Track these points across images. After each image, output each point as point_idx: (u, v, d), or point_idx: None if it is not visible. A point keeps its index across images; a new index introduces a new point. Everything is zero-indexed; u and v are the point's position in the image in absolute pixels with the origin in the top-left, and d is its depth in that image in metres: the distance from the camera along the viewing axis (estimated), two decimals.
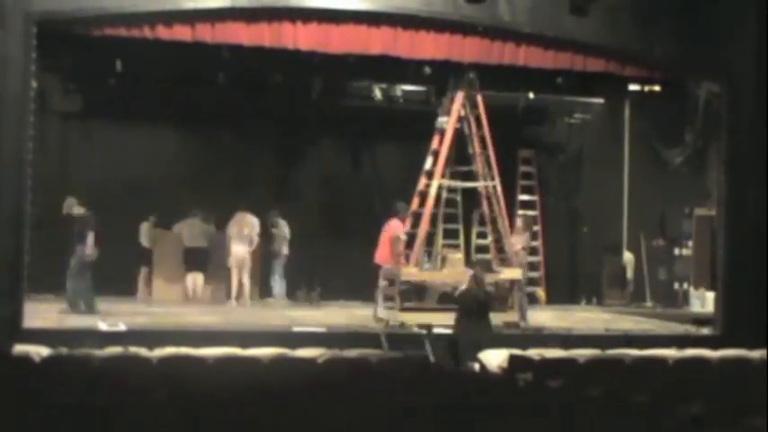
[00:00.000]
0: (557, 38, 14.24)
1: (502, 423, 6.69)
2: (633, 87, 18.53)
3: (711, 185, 17.00)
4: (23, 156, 12.55)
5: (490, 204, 14.82)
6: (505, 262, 14.63)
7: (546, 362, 10.16)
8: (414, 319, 13.95)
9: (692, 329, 15.28)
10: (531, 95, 18.23)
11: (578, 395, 8.26)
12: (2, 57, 12.44)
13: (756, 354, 11.01)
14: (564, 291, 18.84)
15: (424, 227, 14.50)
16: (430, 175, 14.77)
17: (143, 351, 10.07)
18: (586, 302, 18.80)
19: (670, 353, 11.37)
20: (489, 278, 13.71)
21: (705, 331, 14.90)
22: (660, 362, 10.50)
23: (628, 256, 19.06)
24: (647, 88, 18.54)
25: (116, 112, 17.40)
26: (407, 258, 14.46)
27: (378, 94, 17.68)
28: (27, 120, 12.60)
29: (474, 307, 12.49)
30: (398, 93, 17.79)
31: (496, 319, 13.67)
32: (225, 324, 14.04)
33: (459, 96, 14.80)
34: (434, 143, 14.90)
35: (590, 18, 13.71)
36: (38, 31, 12.61)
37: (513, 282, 14.53)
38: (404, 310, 14.15)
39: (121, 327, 12.81)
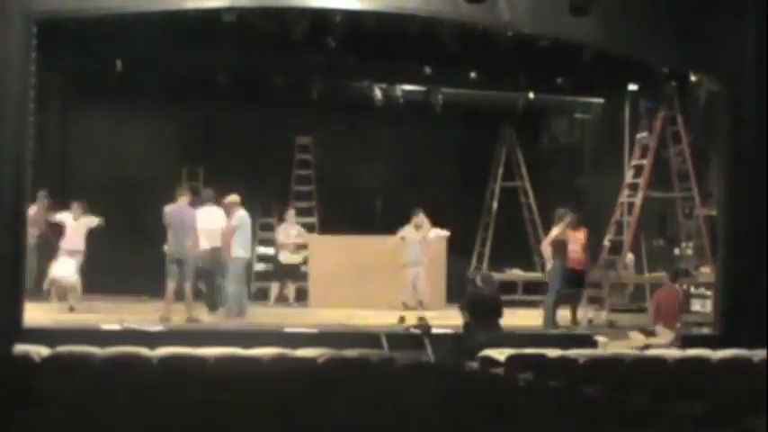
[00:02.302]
0: (557, 38, 14.25)
1: (502, 423, 6.69)
2: (633, 87, 18.54)
3: (711, 185, 16.99)
4: (23, 156, 12.55)
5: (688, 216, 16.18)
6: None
7: (546, 362, 10.16)
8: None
9: (692, 329, 15.26)
10: (531, 95, 18.24)
11: (578, 395, 8.26)
12: (2, 57, 12.43)
13: (756, 354, 11.02)
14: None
15: (630, 235, 15.95)
16: (634, 187, 16.19)
17: (143, 351, 10.09)
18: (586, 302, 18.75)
19: (670, 353, 11.38)
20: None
21: (705, 331, 14.89)
22: (660, 362, 10.51)
23: (628, 256, 19.02)
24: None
25: (116, 111, 17.42)
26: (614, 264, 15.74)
27: (378, 94, 17.68)
28: (27, 120, 12.60)
29: (482, 308, 12.51)
30: (398, 93, 17.79)
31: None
32: (225, 324, 14.04)
33: (662, 115, 16.13)
34: (635, 157, 16.57)
35: (590, 18, 13.70)
36: (38, 31, 12.61)
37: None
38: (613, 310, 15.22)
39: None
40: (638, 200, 16.02)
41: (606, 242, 16.11)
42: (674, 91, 16.45)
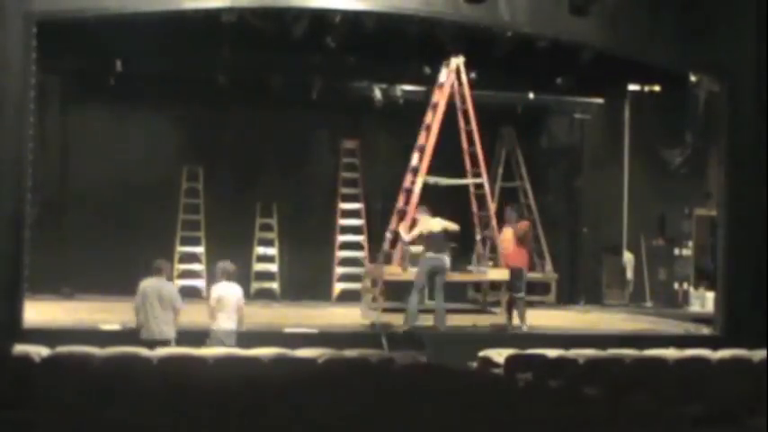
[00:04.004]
0: (557, 38, 14.26)
1: (502, 423, 6.69)
2: (633, 87, 18.55)
3: (711, 185, 17.00)
4: (23, 156, 12.55)
5: (480, 203, 14.61)
6: (495, 262, 14.44)
7: (546, 362, 10.16)
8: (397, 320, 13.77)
9: (692, 329, 15.28)
10: (531, 95, 18.25)
11: (578, 395, 8.26)
12: (2, 57, 12.44)
13: (756, 354, 11.02)
14: (564, 291, 18.83)
15: (407, 224, 14.16)
16: (415, 171, 14.50)
17: (143, 351, 10.09)
18: (585, 302, 18.79)
19: (670, 353, 11.38)
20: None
21: (705, 331, 14.90)
22: (660, 362, 10.51)
23: (628, 256, 19.05)
24: (647, 88, 18.57)
25: (116, 111, 17.42)
26: (389, 258, 14.22)
27: (378, 94, 17.67)
28: (27, 120, 12.60)
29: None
30: (398, 93, 17.78)
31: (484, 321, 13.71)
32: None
33: (446, 89, 14.56)
34: (421, 139, 14.73)
35: (590, 18, 13.70)
36: (38, 31, 12.62)
37: (500, 283, 14.33)
38: (386, 310, 13.97)
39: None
40: (416, 186, 14.20)
41: (388, 234, 14.45)
42: (458, 58, 14.45)
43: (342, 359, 10.34)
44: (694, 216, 18.71)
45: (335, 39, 14.78)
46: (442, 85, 14.63)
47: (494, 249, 14.60)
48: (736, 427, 6.83)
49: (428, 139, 14.51)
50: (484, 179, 14.57)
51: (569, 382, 8.94)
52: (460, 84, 14.54)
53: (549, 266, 18.51)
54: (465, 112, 14.57)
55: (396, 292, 14.66)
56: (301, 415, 6.61)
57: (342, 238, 18.01)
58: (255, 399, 7.17)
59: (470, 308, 15.85)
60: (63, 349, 10.03)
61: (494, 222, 14.55)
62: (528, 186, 18.95)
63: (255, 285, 17.79)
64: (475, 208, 14.70)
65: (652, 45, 14.46)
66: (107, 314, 13.96)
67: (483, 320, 14.42)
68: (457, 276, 14.68)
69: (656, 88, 18.46)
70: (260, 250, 18.17)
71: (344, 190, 18.41)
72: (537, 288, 18.45)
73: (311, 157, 18.53)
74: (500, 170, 18.92)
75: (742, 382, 8.61)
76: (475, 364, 11.00)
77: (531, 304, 17.87)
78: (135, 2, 13.14)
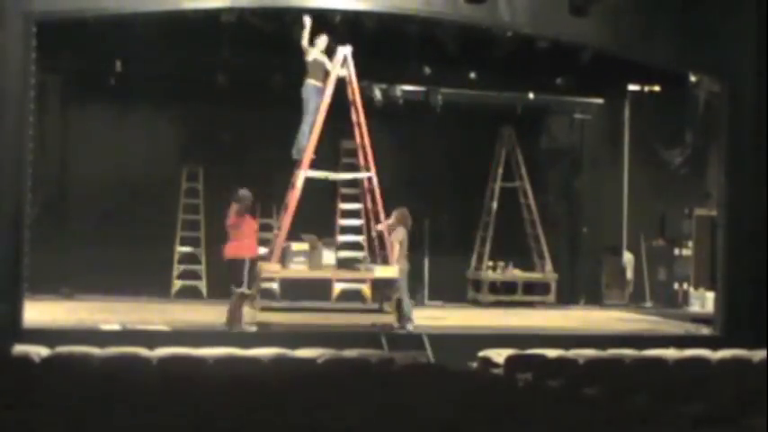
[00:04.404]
0: (557, 38, 14.26)
1: (502, 423, 6.69)
2: (633, 87, 18.55)
3: (711, 185, 17.00)
4: (23, 156, 12.55)
5: (372, 198, 14.09)
6: (384, 259, 13.94)
7: (546, 362, 10.16)
8: (276, 319, 13.37)
9: (692, 329, 15.28)
10: (531, 95, 18.25)
11: (578, 395, 8.26)
12: (2, 57, 12.44)
13: (756, 354, 11.02)
14: (564, 291, 18.83)
15: (287, 220, 13.77)
16: (299, 165, 14.07)
17: (143, 351, 10.09)
18: (585, 302, 18.80)
19: (670, 353, 11.38)
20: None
21: (705, 331, 14.90)
22: (660, 362, 10.50)
23: (628, 256, 19.06)
24: (647, 88, 18.57)
25: (116, 111, 17.41)
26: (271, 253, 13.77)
27: (378, 94, 17.67)
28: (27, 120, 12.60)
29: None
30: (398, 93, 17.78)
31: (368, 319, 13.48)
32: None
33: (332, 79, 14.03)
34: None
35: (590, 18, 13.70)
36: (38, 31, 12.61)
37: (389, 281, 13.79)
38: (264, 309, 13.62)
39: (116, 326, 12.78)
40: (298, 180, 13.80)
41: (276, 230, 14.07)
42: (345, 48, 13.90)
43: (342, 359, 10.35)
44: (694, 216, 18.71)
45: (335, 39, 14.77)
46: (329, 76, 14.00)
47: (383, 246, 14.03)
48: (736, 427, 6.83)
49: (311, 133, 14.14)
50: (372, 173, 14.03)
51: (569, 382, 8.94)
52: (349, 74, 14.06)
53: (548, 266, 18.51)
54: (354, 104, 14.14)
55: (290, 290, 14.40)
56: (301, 415, 6.61)
57: (342, 238, 17.98)
58: (255, 399, 7.17)
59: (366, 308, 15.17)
60: (63, 349, 10.03)
61: (383, 218, 14.00)
62: (528, 186, 18.95)
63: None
64: (369, 203, 14.25)
65: (652, 45, 14.45)
66: (107, 314, 13.97)
67: (376, 320, 13.89)
68: (343, 274, 14.50)
69: (656, 88, 18.45)
70: (260, 250, 18.14)
71: (344, 190, 18.39)
72: (537, 288, 18.47)
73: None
74: (500, 170, 18.93)
75: (742, 382, 8.61)
76: (475, 364, 11.00)
77: (532, 304, 17.99)
78: (135, 2, 13.14)
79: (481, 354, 11.14)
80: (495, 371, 10.35)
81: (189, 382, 7.99)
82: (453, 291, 18.12)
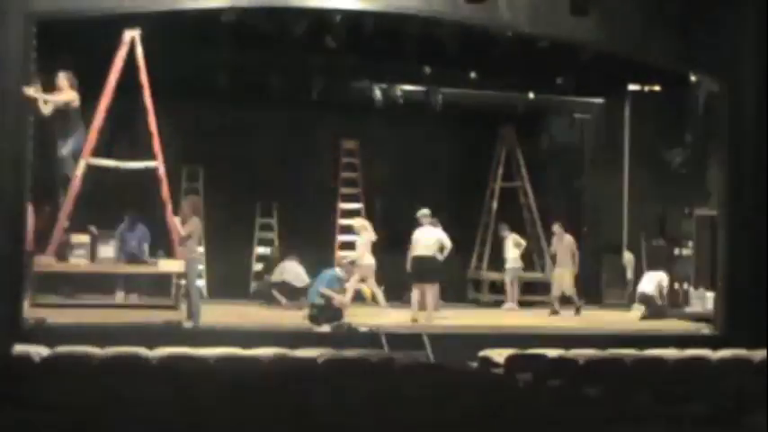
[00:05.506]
0: (557, 38, 14.26)
1: (502, 423, 6.69)
2: (633, 87, 18.55)
3: (711, 185, 16.99)
4: (23, 156, 12.55)
5: (161, 188, 13.53)
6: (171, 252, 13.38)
7: (546, 362, 10.16)
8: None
9: (692, 329, 15.27)
10: (531, 95, 18.25)
11: (578, 395, 8.26)
12: (2, 57, 12.43)
13: (756, 354, 11.02)
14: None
15: (66, 212, 13.02)
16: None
17: (143, 351, 10.09)
18: (585, 302, 18.78)
19: (670, 353, 11.38)
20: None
21: (705, 331, 14.90)
22: (660, 362, 10.50)
23: (628, 256, 19.04)
24: (647, 88, 18.57)
25: (116, 111, 17.37)
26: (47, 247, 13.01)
27: (378, 94, 17.68)
28: (27, 120, 12.59)
29: None
30: (398, 93, 17.79)
31: (157, 317, 13.05)
32: (225, 324, 14.03)
33: (118, 63, 13.28)
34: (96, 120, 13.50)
35: (590, 18, 13.70)
36: (38, 31, 12.61)
37: (178, 274, 13.29)
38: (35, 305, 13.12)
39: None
40: (78, 170, 12.88)
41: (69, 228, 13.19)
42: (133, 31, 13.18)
43: (342, 359, 10.35)
44: (694, 216, 18.70)
45: (335, 39, 14.78)
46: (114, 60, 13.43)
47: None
48: (736, 427, 6.83)
49: (94, 118, 13.50)
50: (159, 162, 13.32)
51: (569, 382, 8.94)
52: (136, 57, 13.31)
53: (548, 266, 18.50)
54: (143, 88, 13.25)
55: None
56: (301, 415, 6.61)
57: (342, 237, 18.00)
58: (255, 399, 7.17)
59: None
60: (63, 349, 10.03)
61: (170, 208, 13.51)
62: (528, 186, 18.96)
63: (255, 285, 17.79)
64: (163, 193, 13.59)
65: (652, 45, 14.45)
66: (107, 314, 13.95)
67: (163, 316, 13.38)
68: (123, 269, 13.96)
69: (656, 88, 18.45)
70: (260, 250, 18.18)
71: (344, 190, 18.41)
72: (537, 288, 18.46)
73: (311, 157, 18.52)
74: (500, 170, 18.94)
75: (742, 382, 8.61)
76: (475, 364, 11.00)
77: (532, 304, 17.97)
78: (135, 2, 13.13)
79: (481, 354, 11.15)
80: (496, 371, 10.35)
81: (189, 382, 7.99)
82: (453, 291, 18.12)
